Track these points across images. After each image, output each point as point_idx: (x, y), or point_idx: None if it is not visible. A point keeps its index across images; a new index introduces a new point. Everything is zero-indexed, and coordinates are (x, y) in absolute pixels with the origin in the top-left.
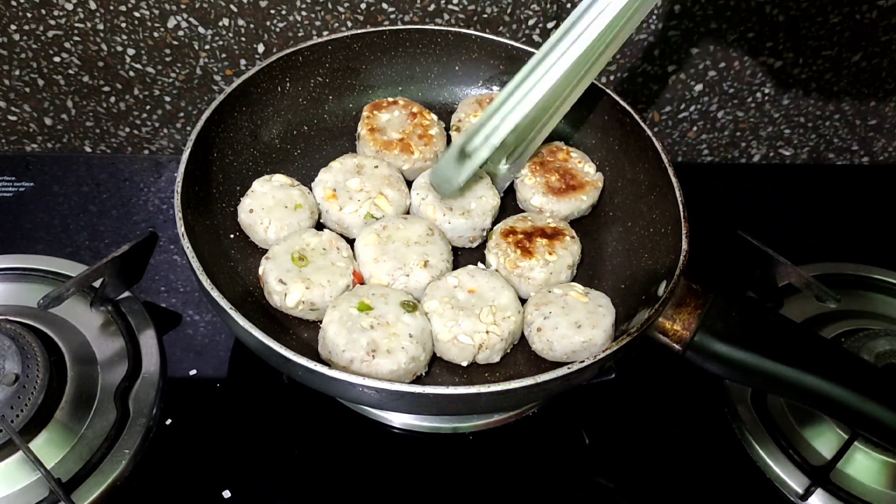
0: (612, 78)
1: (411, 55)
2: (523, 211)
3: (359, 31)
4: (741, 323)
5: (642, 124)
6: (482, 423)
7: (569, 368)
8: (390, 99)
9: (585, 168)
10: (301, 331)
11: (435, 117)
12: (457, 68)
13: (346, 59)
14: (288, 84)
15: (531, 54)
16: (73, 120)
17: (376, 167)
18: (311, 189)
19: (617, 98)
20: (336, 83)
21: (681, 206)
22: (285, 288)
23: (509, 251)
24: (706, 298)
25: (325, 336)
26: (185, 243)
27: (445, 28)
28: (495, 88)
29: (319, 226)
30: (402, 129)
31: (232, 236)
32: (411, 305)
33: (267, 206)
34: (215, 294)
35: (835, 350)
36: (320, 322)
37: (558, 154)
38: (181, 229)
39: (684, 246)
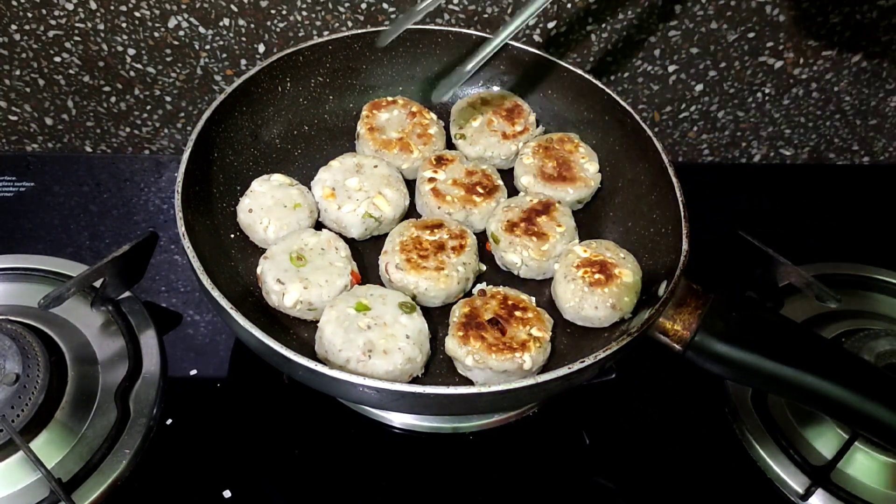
0: (612, 78)
1: (412, 55)
2: (517, 192)
3: (359, 31)
4: (741, 323)
5: (643, 124)
6: (482, 423)
7: (569, 368)
8: (390, 98)
9: (586, 165)
10: (301, 330)
11: (434, 116)
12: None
13: (347, 59)
14: (288, 84)
15: (531, 54)
16: (73, 120)
17: (375, 167)
18: (310, 188)
19: (617, 98)
20: (336, 83)
21: (681, 207)
22: (283, 288)
23: (527, 242)
24: (706, 299)
25: (322, 335)
26: (186, 243)
27: (446, 28)
28: (495, 88)
29: (319, 225)
30: (402, 129)
31: (232, 236)
32: (409, 307)
33: (266, 206)
34: (215, 294)
35: (835, 350)
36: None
37: (566, 144)
38: (181, 229)
39: (684, 246)
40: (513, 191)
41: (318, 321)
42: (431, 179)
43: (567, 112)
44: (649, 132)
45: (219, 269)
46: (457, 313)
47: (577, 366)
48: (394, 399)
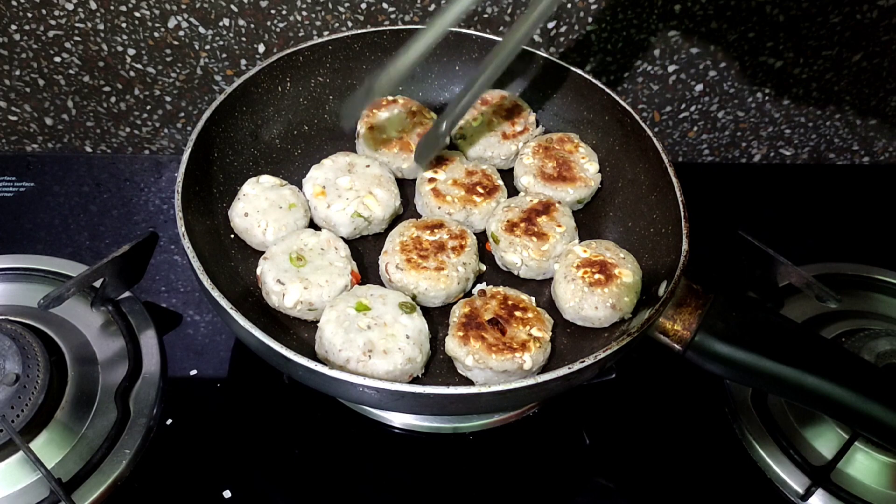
0: (612, 78)
1: None
2: (517, 192)
3: (359, 32)
4: (741, 323)
5: (643, 124)
6: (482, 423)
7: (569, 368)
8: (390, 97)
9: (586, 165)
10: (301, 330)
11: (434, 116)
12: (457, 68)
13: (347, 59)
14: (288, 84)
15: (531, 54)
16: (73, 120)
17: (368, 166)
18: (301, 187)
19: (617, 98)
20: (336, 83)
21: (681, 207)
22: (283, 288)
23: (527, 242)
24: (706, 299)
25: (322, 335)
26: (186, 243)
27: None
28: (495, 88)
29: (316, 225)
30: (402, 128)
31: (232, 236)
32: (409, 307)
33: (261, 209)
34: (216, 294)
35: (835, 350)
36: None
37: (566, 144)
38: (181, 229)
39: (684, 246)
40: (513, 191)
41: (318, 321)
42: (431, 179)
43: (567, 112)
44: (649, 132)
45: (219, 270)
46: (457, 313)
47: (577, 366)
48: (394, 399)
